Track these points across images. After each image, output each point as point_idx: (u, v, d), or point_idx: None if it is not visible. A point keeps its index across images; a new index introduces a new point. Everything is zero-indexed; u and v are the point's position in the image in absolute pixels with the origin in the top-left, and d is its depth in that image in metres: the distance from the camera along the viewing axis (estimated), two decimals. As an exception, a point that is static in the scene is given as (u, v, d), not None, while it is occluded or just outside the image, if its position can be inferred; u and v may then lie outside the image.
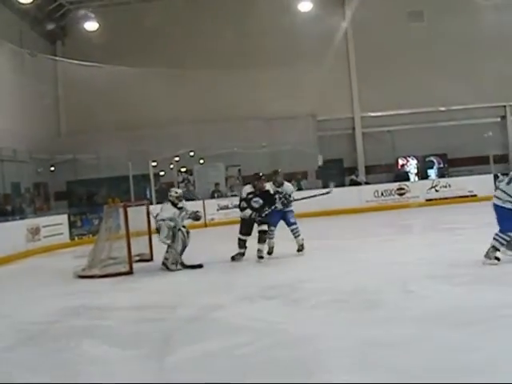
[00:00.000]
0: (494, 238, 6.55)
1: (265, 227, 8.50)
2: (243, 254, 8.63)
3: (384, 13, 18.92)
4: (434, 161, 20.05)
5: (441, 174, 19.49)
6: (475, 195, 16.40)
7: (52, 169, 18.52)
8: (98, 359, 4.30)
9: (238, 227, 8.79)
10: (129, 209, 8.51)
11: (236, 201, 10.29)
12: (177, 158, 18.44)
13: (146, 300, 6.39)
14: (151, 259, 9.24)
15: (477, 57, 18.31)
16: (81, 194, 18.70)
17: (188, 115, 18.32)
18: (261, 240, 8.48)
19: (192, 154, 18.40)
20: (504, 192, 6.54)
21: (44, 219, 12.97)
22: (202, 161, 19.11)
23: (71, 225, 13.44)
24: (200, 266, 8.22)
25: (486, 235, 6.68)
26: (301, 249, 8.79)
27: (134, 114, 18.28)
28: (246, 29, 18.91)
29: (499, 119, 20.03)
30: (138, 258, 8.94)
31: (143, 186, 17.18)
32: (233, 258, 8.62)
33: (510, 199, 6.45)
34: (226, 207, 15.57)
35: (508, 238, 6.55)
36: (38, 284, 8.12)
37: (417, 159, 20.03)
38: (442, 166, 19.92)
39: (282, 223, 8.89)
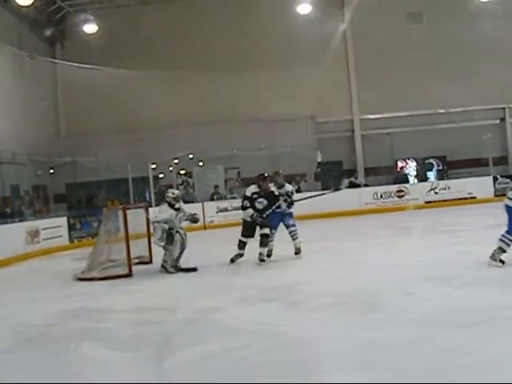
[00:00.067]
0: (501, 239, 6.52)
1: (267, 231, 8.44)
2: (242, 255, 8.60)
3: (383, 14, 18.90)
4: (434, 163, 20.02)
5: (440, 176, 19.45)
6: (474, 197, 16.44)
7: (51, 171, 18.47)
8: (97, 361, 4.30)
9: (237, 229, 8.78)
10: (128, 211, 8.51)
11: (235, 203, 10.31)
12: (176, 161, 18.41)
13: (145, 302, 6.37)
14: (150, 262, 9.21)
15: (476, 59, 18.31)
16: (80, 196, 18.67)
17: (187, 117, 18.32)
18: (263, 244, 8.42)
19: (191, 156, 18.38)
20: None
21: (43, 222, 12.92)
22: (201, 163, 19.06)
23: (70, 227, 13.40)
24: (194, 270, 8.19)
25: (486, 237, 6.69)
26: (298, 252, 8.74)
27: (133, 117, 18.23)
28: (245, 31, 18.89)
29: (498, 121, 20.01)
30: (137, 261, 8.94)
31: (142, 189, 17.15)
32: (232, 261, 8.58)
33: None
34: (226, 209, 15.53)
35: None
36: (38, 286, 8.10)
37: (416, 161, 19.99)
38: (441, 168, 19.89)
39: (281, 225, 8.86)
